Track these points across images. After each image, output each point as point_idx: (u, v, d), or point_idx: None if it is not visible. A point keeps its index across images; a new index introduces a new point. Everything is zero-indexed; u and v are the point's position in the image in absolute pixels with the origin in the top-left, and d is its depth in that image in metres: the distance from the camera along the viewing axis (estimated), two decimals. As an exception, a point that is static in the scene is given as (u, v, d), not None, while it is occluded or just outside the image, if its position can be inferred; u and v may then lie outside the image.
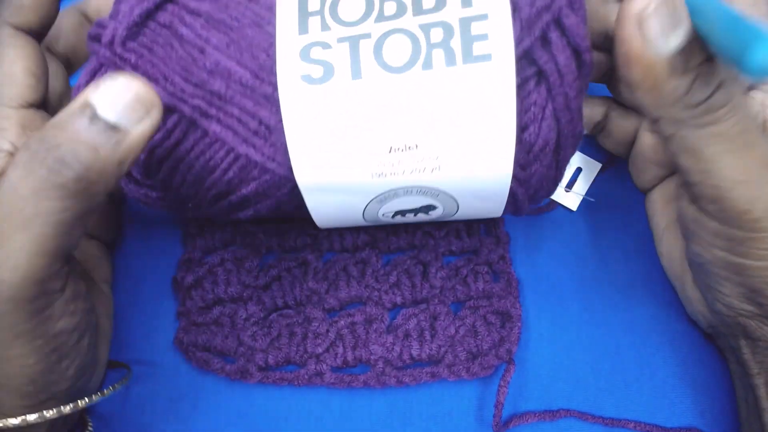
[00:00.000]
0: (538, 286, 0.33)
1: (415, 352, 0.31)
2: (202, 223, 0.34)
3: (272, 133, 0.23)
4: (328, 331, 0.32)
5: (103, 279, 0.32)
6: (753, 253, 0.24)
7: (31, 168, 0.19)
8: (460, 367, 0.31)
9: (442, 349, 0.31)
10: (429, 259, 0.33)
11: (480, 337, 0.31)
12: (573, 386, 0.31)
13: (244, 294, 0.33)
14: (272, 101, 0.22)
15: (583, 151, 0.35)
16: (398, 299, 0.32)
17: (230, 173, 0.24)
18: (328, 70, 0.21)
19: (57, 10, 0.26)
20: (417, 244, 0.34)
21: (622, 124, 0.31)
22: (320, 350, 0.31)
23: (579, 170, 0.35)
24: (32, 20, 0.25)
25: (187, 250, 0.34)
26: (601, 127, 0.31)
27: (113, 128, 0.20)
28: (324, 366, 0.31)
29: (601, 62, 0.29)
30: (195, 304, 0.32)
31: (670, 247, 0.31)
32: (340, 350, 0.31)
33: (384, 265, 0.33)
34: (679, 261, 0.30)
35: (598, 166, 0.35)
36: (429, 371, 0.31)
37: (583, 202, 0.34)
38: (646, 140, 0.29)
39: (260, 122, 0.23)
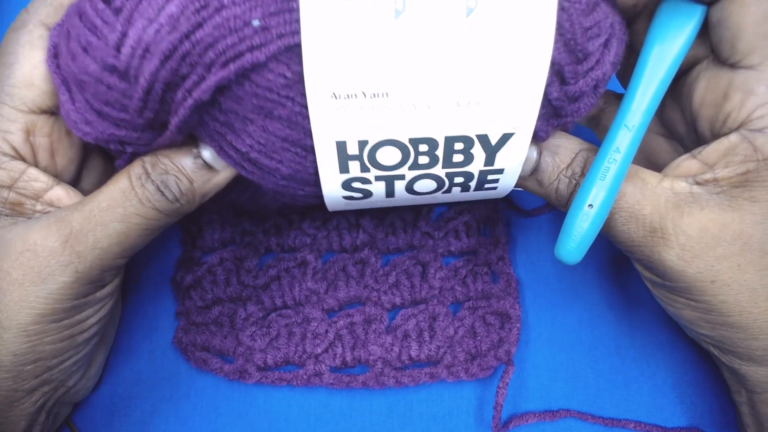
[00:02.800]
0: (538, 287, 0.33)
1: (414, 353, 0.31)
2: (201, 223, 0.34)
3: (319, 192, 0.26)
4: (327, 331, 0.32)
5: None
6: (677, 296, 0.25)
7: (144, 180, 0.24)
8: (459, 368, 0.31)
9: (441, 350, 0.31)
10: (428, 259, 0.33)
11: (479, 337, 0.31)
12: (573, 386, 0.31)
13: (243, 294, 0.33)
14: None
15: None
16: (397, 300, 0.32)
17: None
18: (367, 194, 0.25)
19: None
20: (416, 244, 0.34)
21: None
22: (319, 350, 0.31)
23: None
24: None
25: (187, 250, 0.34)
26: (596, 122, 0.31)
27: (209, 168, 0.25)
28: (323, 366, 0.31)
29: None
30: (194, 303, 0.32)
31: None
32: (339, 350, 0.31)
33: (383, 266, 0.33)
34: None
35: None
36: (428, 372, 0.31)
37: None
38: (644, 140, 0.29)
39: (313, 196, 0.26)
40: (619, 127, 0.23)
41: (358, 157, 0.23)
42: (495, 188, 0.26)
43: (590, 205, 0.23)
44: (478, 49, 0.21)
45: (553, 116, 0.23)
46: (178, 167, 0.25)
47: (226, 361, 0.32)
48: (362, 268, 0.33)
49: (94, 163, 0.29)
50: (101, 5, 0.21)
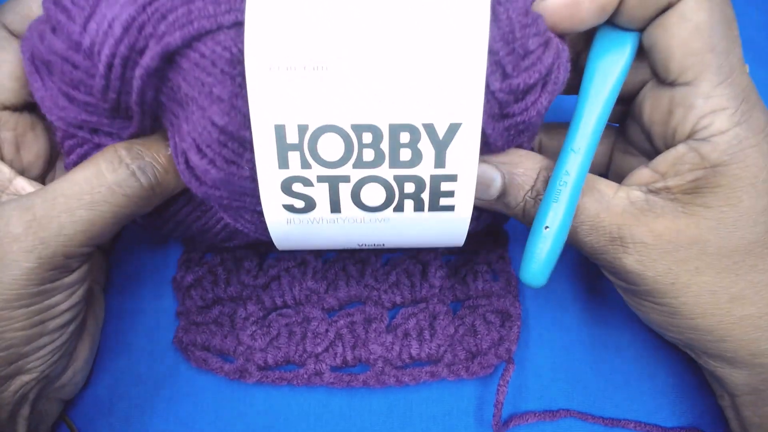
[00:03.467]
0: (538, 286, 0.33)
1: (414, 352, 0.31)
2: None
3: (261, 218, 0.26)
4: (327, 330, 0.32)
5: (97, 281, 0.32)
6: (651, 301, 0.26)
7: (116, 166, 0.24)
8: (460, 366, 0.31)
9: (442, 349, 0.31)
10: (428, 258, 0.33)
11: (479, 336, 0.31)
12: (573, 386, 0.31)
13: (244, 293, 0.33)
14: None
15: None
16: (398, 299, 0.32)
17: (221, 234, 0.28)
18: (310, 204, 0.24)
19: None
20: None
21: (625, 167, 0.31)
22: (319, 350, 0.31)
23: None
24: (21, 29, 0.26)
25: (187, 250, 0.34)
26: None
27: None
28: (323, 365, 0.31)
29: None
30: (194, 303, 0.32)
31: None
32: (340, 350, 0.31)
33: (383, 265, 0.33)
34: None
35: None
36: (428, 371, 0.31)
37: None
38: (617, 161, 0.30)
39: (253, 214, 0.26)
40: (567, 151, 0.24)
41: (298, 147, 0.22)
42: (452, 208, 0.25)
43: (547, 227, 0.24)
44: (415, 26, 0.21)
45: (501, 115, 0.23)
46: (154, 154, 0.25)
47: (226, 360, 0.32)
48: (362, 268, 0.33)
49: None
50: None
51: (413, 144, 0.23)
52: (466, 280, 0.33)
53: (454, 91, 0.22)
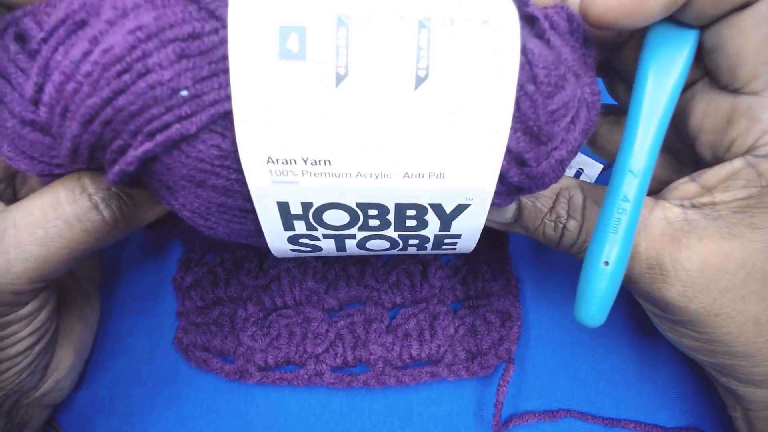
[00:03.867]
0: (538, 286, 0.33)
1: (414, 352, 0.31)
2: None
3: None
4: (327, 331, 0.32)
5: (87, 275, 0.31)
6: (687, 330, 0.25)
7: (77, 196, 0.21)
8: (460, 366, 0.31)
9: (442, 349, 0.31)
10: (428, 258, 0.33)
11: (479, 336, 0.31)
12: (573, 386, 0.31)
13: (244, 294, 0.33)
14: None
15: (584, 152, 0.35)
16: (398, 299, 0.32)
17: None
18: (316, 249, 0.24)
19: None
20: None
21: (611, 139, 0.29)
22: (320, 350, 0.31)
23: (580, 171, 0.35)
24: None
25: (187, 250, 0.34)
26: (592, 141, 0.30)
27: None
28: (323, 366, 0.31)
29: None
30: (194, 304, 0.32)
31: None
32: (340, 350, 0.31)
33: (383, 265, 0.33)
34: None
35: (599, 167, 0.35)
36: (428, 371, 0.31)
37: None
38: None
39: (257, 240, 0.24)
40: (624, 173, 0.21)
41: (303, 218, 0.21)
42: (454, 249, 0.25)
43: (606, 263, 0.21)
44: (426, 122, 0.19)
45: (515, 192, 0.22)
46: (120, 187, 0.22)
47: (226, 361, 0.32)
48: (362, 268, 0.33)
49: (32, 182, 0.26)
50: (14, 47, 0.19)
51: (420, 217, 0.22)
52: (466, 281, 0.33)
53: (465, 182, 0.20)
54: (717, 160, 0.23)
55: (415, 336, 0.31)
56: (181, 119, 0.18)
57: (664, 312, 0.24)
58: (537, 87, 0.19)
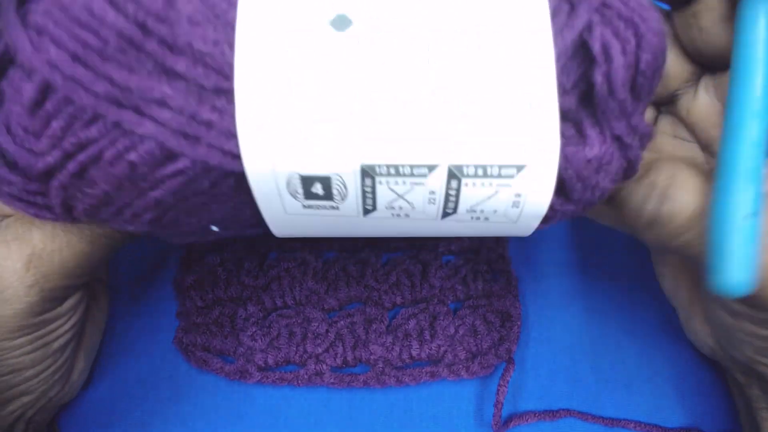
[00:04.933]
0: (538, 286, 0.33)
1: (414, 352, 0.31)
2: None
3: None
4: (327, 331, 0.32)
5: (97, 277, 0.32)
6: None
7: None
8: (460, 366, 0.31)
9: (442, 349, 0.31)
10: (428, 258, 0.33)
11: (480, 336, 0.31)
12: (573, 386, 0.31)
13: (244, 294, 0.33)
14: None
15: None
16: (398, 299, 0.32)
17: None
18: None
19: None
20: (416, 243, 0.34)
21: None
22: (320, 350, 0.31)
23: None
24: None
25: (187, 250, 0.34)
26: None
27: None
28: (324, 366, 0.31)
29: None
30: (195, 304, 0.32)
31: (673, 275, 0.29)
32: (340, 350, 0.31)
33: (383, 265, 0.33)
34: (686, 290, 0.28)
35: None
36: (429, 371, 0.31)
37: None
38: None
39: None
40: (749, 113, 0.19)
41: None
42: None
43: (750, 214, 0.18)
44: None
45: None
46: None
47: (226, 361, 0.32)
48: (362, 268, 0.33)
49: None
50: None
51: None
52: (466, 281, 0.33)
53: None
54: None
55: (415, 336, 0.31)
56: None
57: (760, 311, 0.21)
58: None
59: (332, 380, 0.31)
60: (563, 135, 0.18)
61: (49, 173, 0.19)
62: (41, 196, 0.20)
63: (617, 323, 0.33)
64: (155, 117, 0.17)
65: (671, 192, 0.20)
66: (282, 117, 0.17)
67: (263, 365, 0.31)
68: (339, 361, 0.31)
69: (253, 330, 0.32)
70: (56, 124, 0.18)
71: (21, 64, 0.18)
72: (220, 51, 0.17)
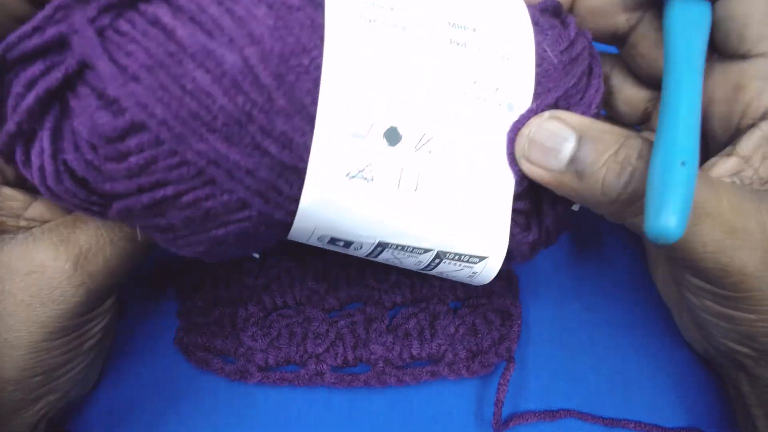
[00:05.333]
0: (538, 285, 0.33)
1: (415, 351, 0.31)
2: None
3: None
4: (328, 330, 0.32)
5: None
6: (742, 306, 0.23)
7: None
8: (461, 365, 0.31)
9: (442, 348, 0.31)
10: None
11: (480, 335, 0.31)
12: (573, 386, 0.31)
13: (244, 294, 0.33)
14: None
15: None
16: (398, 298, 0.32)
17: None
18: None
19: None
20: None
21: (626, 93, 0.29)
22: (320, 350, 0.31)
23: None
24: None
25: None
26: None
27: None
28: (324, 366, 0.31)
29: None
30: (195, 304, 0.32)
31: (665, 274, 0.30)
32: (341, 350, 0.31)
33: (384, 265, 0.33)
34: (675, 288, 0.29)
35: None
36: (429, 370, 0.31)
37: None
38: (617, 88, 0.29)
39: None
40: (686, 72, 0.21)
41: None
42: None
43: (683, 162, 0.19)
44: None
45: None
46: None
47: (227, 361, 0.32)
48: (363, 268, 0.33)
49: None
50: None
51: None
52: (467, 280, 0.33)
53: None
54: (730, 131, 0.23)
55: (415, 335, 0.31)
56: None
57: (733, 289, 0.22)
58: None
59: (333, 380, 0.31)
60: (515, 223, 0.25)
61: (116, 196, 0.21)
62: (100, 206, 0.21)
63: (617, 323, 0.33)
64: (243, 181, 0.20)
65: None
66: (333, 198, 0.22)
67: (264, 365, 0.31)
68: (339, 360, 0.31)
69: (254, 330, 0.32)
70: (135, 160, 0.20)
71: (103, 93, 0.19)
72: (303, 139, 0.20)
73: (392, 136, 0.22)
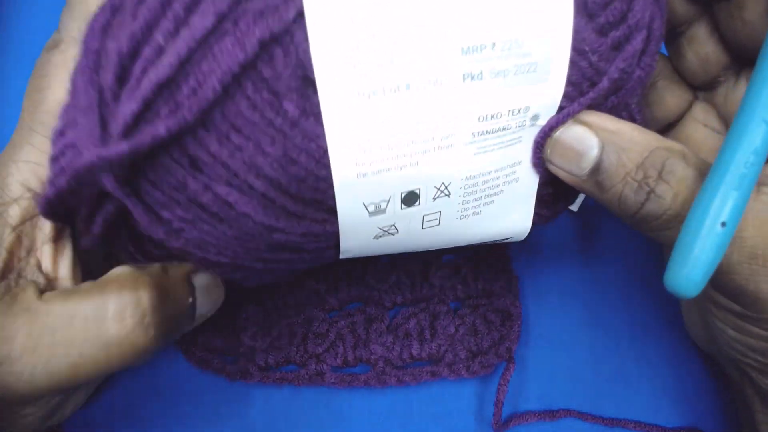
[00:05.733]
0: (538, 285, 0.33)
1: (415, 351, 0.31)
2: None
3: None
4: (328, 330, 0.32)
5: None
6: (756, 324, 0.22)
7: (127, 317, 0.19)
8: (461, 365, 0.31)
9: (443, 348, 0.31)
10: (428, 257, 0.33)
11: (480, 335, 0.31)
12: (573, 386, 0.31)
13: (244, 294, 0.33)
14: None
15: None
16: (398, 298, 0.32)
17: None
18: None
19: None
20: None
21: (667, 100, 0.26)
22: (320, 350, 0.31)
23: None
24: None
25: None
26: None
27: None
28: (324, 366, 0.31)
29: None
30: (195, 304, 0.32)
31: None
32: (341, 350, 0.31)
33: (383, 265, 0.33)
34: None
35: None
36: (429, 370, 0.31)
37: (584, 202, 0.35)
38: (695, 132, 0.25)
39: None
40: (756, 121, 0.18)
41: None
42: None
43: (724, 223, 0.18)
44: None
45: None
46: (175, 300, 0.21)
47: (227, 361, 0.32)
48: (363, 268, 0.33)
49: None
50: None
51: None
52: (467, 280, 0.33)
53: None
54: None
55: (415, 335, 0.31)
56: None
57: (748, 308, 0.21)
58: None
59: (333, 380, 0.31)
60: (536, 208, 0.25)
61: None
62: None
63: (617, 323, 0.33)
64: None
65: (658, 188, 0.20)
66: (366, 249, 0.24)
67: (264, 365, 0.31)
68: (339, 360, 0.31)
69: (254, 330, 0.32)
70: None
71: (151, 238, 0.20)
72: (332, 228, 0.21)
73: (410, 199, 0.21)
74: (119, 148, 0.17)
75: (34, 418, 0.22)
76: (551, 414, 0.30)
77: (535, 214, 0.25)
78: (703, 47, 0.23)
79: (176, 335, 0.23)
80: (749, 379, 0.25)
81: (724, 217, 0.18)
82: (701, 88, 0.25)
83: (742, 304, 0.21)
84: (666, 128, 0.26)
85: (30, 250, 0.21)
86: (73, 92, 0.18)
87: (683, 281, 0.18)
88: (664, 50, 0.25)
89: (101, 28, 0.18)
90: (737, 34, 0.22)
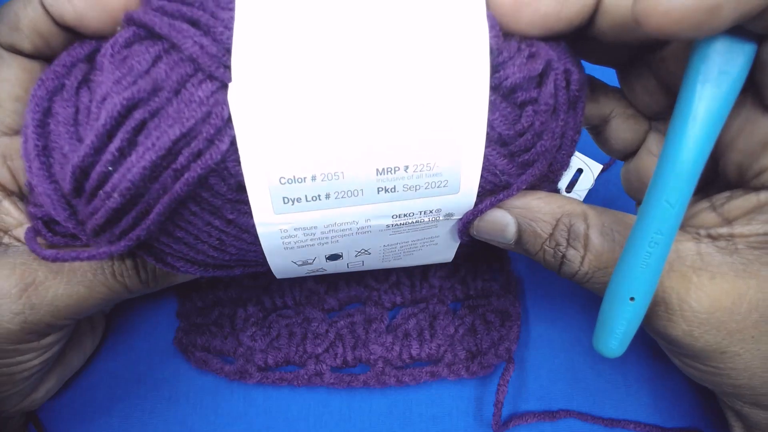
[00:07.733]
0: (538, 285, 0.33)
1: (414, 352, 0.31)
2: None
3: None
4: (327, 331, 0.32)
5: None
6: (719, 374, 0.23)
7: (123, 256, 0.24)
8: (460, 366, 0.31)
9: (442, 349, 0.31)
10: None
11: (479, 336, 0.31)
12: (573, 386, 0.31)
13: (244, 294, 0.33)
14: None
15: (583, 152, 0.35)
16: (398, 299, 0.32)
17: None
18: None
19: (64, 39, 0.22)
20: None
21: (622, 135, 0.26)
22: (320, 350, 0.31)
23: (580, 171, 0.35)
24: (26, 46, 0.22)
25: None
26: (598, 131, 0.27)
27: None
28: (323, 366, 0.31)
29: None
30: (194, 304, 0.32)
31: None
32: (340, 350, 0.31)
33: (384, 265, 0.33)
34: None
35: (599, 167, 0.35)
36: (428, 370, 0.31)
37: (584, 202, 0.34)
38: (647, 163, 0.25)
39: None
40: (659, 203, 0.18)
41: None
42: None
43: (632, 298, 0.20)
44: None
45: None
46: None
47: (226, 361, 0.32)
48: (362, 268, 0.33)
49: None
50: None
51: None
52: (466, 280, 0.33)
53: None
54: (741, 182, 0.21)
55: (415, 336, 0.31)
56: None
57: (669, 345, 0.23)
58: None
59: (332, 380, 0.31)
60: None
61: None
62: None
63: (617, 323, 0.33)
64: None
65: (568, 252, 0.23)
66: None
67: (263, 365, 0.31)
68: (339, 361, 0.31)
69: (253, 330, 0.32)
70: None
71: None
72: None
73: (334, 257, 0.24)
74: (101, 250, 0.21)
75: (29, 373, 0.25)
76: (551, 414, 0.30)
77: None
78: (650, 81, 0.23)
79: (158, 284, 0.26)
80: (733, 410, 0.26)
81: (632, 293, 0.20)
82: (654, 118, 0.25)
83: (666, 342, 0.23)
84: (627, 157, 0.27)
85: None
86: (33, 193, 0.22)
87: (603, 347, 0.21)
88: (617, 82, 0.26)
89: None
90: (667, 80, 0.23)
